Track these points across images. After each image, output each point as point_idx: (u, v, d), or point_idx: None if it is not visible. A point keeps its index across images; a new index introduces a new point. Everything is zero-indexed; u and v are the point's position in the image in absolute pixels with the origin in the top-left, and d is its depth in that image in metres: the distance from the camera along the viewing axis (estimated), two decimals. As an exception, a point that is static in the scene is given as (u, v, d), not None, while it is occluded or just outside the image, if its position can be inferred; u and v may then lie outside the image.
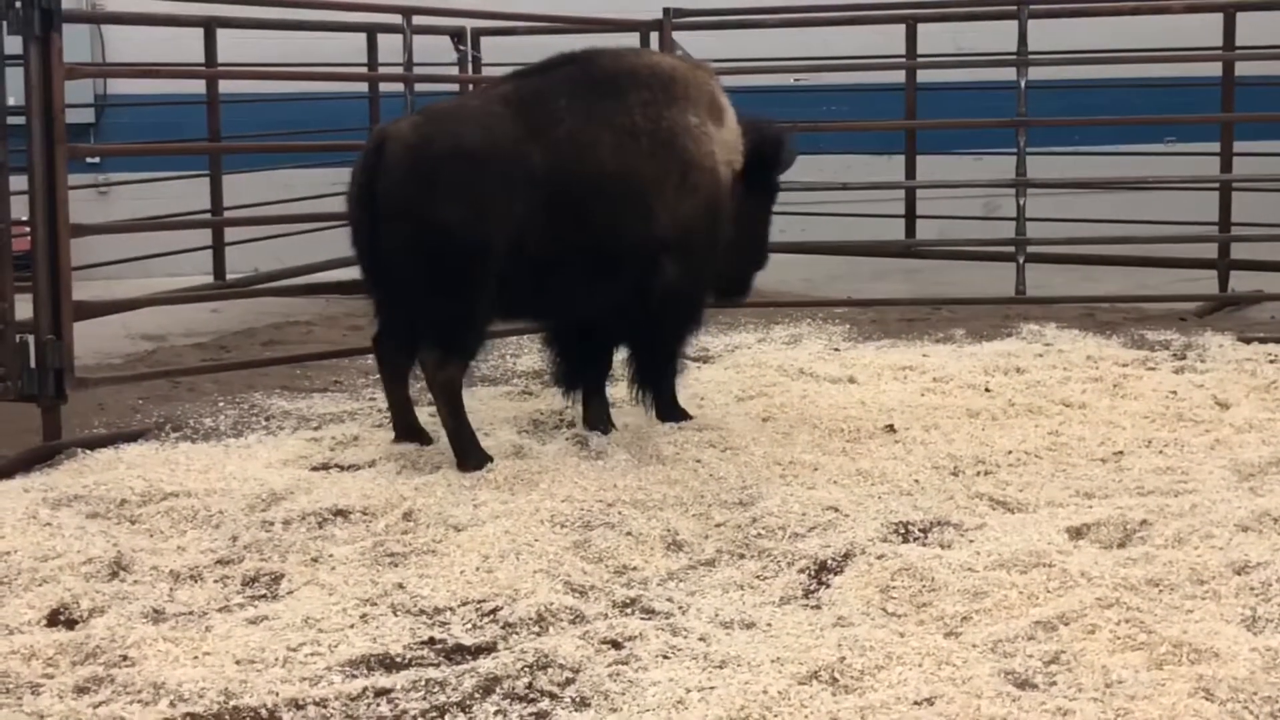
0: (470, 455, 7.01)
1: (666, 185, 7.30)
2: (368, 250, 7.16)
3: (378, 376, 9.21)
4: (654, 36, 11.06)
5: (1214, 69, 11.63)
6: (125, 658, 4.89)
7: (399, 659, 4.88)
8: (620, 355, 7.74)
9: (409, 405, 7.50)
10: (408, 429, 7.44)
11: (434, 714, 4.52)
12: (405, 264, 7.00)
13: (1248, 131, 12.33)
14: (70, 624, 5.21)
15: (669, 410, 7.78)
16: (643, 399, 7.71)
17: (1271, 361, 8.99)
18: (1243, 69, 11.67)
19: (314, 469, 7.12)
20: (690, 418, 7.73)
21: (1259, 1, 11.88)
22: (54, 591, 5.38)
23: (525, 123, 7.16)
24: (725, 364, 9.33)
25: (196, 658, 4.89)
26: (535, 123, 7.17)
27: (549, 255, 7.12)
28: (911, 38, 12.09)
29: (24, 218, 7.67)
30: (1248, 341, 9.56)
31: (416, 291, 7.01)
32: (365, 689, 4.64)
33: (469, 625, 5.15)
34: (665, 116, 7.34)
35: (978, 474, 6.84)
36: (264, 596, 5.50)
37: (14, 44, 7.52)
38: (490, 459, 7.02)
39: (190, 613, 5.32)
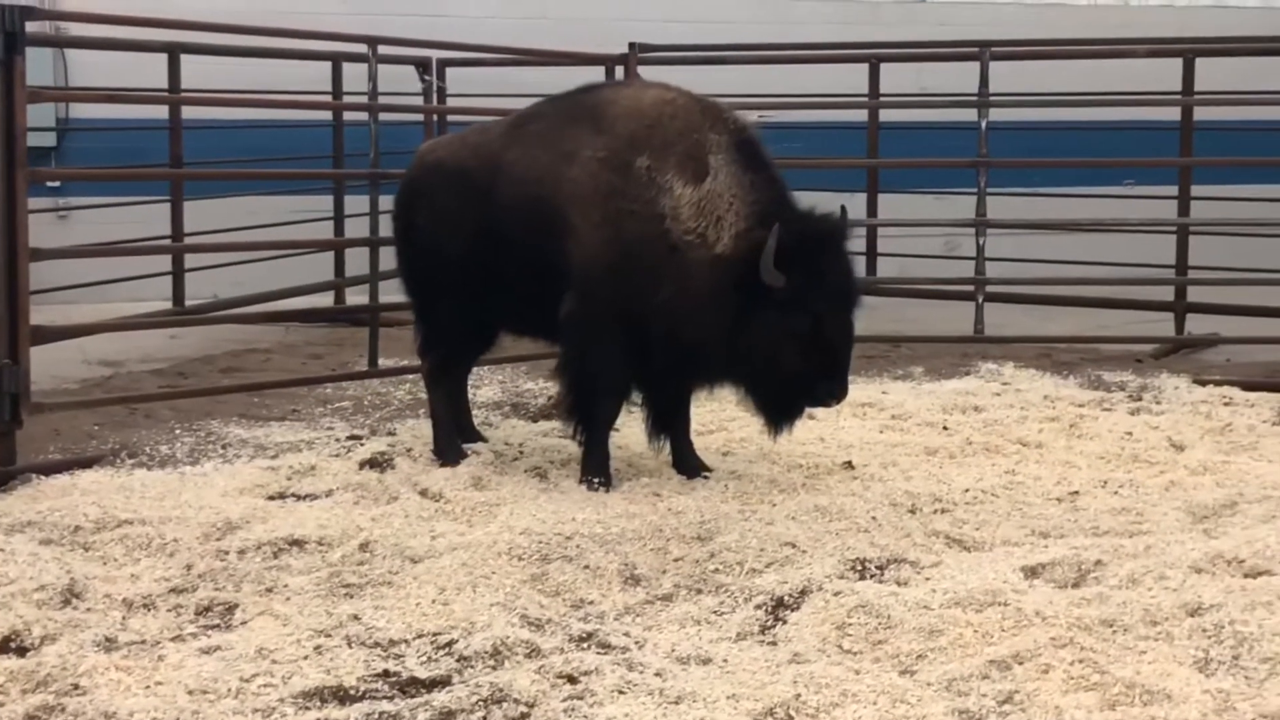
0: (437, 441, 7.77)
1: (579, 216, 7.14)
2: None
3: (336, 406, 9.29)
4: (619, 70, 11.09)
5: (1173, 113, 11.75)
6: (76, 686, 4.84)
7: (353, 691, 4.85)
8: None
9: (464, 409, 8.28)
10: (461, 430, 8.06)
11: (387, 747, 4.51)
12: (397, 261, 8.11)
13: (1206, 176, 12.45)
14: (21, 651, 5.16)
15: (586, 461, 7.32)
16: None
17: (1226, 404, 9.07)
18: (1201, 114, 11.79)
19: (270, 498, 7.09)
20: (604, 485, 7.20)
21: (1218, 48, 12.02)
22: (5, 618, 5.33)
23: (503, 144, 7.57)
24: (685, 398, 9.32)
25: (148, 687, 4.86)
26: (506, 144, 7.55)
27: (501, 267, 7.47)
28: (875, 77, 12.17)
29: (-17, 241, 7.62)
30: (1203, 384, 9.65)
31: (405, 288, 8.09)
32: (318, 721, 4.61)
33: (424, 658, 5.13)
34: (608, 153, 7.13)
35: (935, 512, 6.87)
36: (217, 626, 5.47)
37: (-24, 66, 7.48)
38: (464, 455, 7.62)
39: (143, 641, 5.28)
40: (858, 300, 7.02)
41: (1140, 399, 9.35)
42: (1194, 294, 11.73)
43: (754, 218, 6.91)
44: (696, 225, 6.97)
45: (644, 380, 7.38)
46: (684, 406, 7.54)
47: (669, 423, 7.51)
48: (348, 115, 12.38)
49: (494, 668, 5.01)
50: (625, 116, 7.24)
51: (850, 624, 5.33)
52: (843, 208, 7.16)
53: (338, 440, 8.26)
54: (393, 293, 8.68)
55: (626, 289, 7.08)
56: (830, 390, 6.97)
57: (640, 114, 7.22)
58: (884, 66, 12.18)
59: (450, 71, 12.21)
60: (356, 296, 12.12)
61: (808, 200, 7.18)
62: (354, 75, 11.43)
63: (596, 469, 7.28)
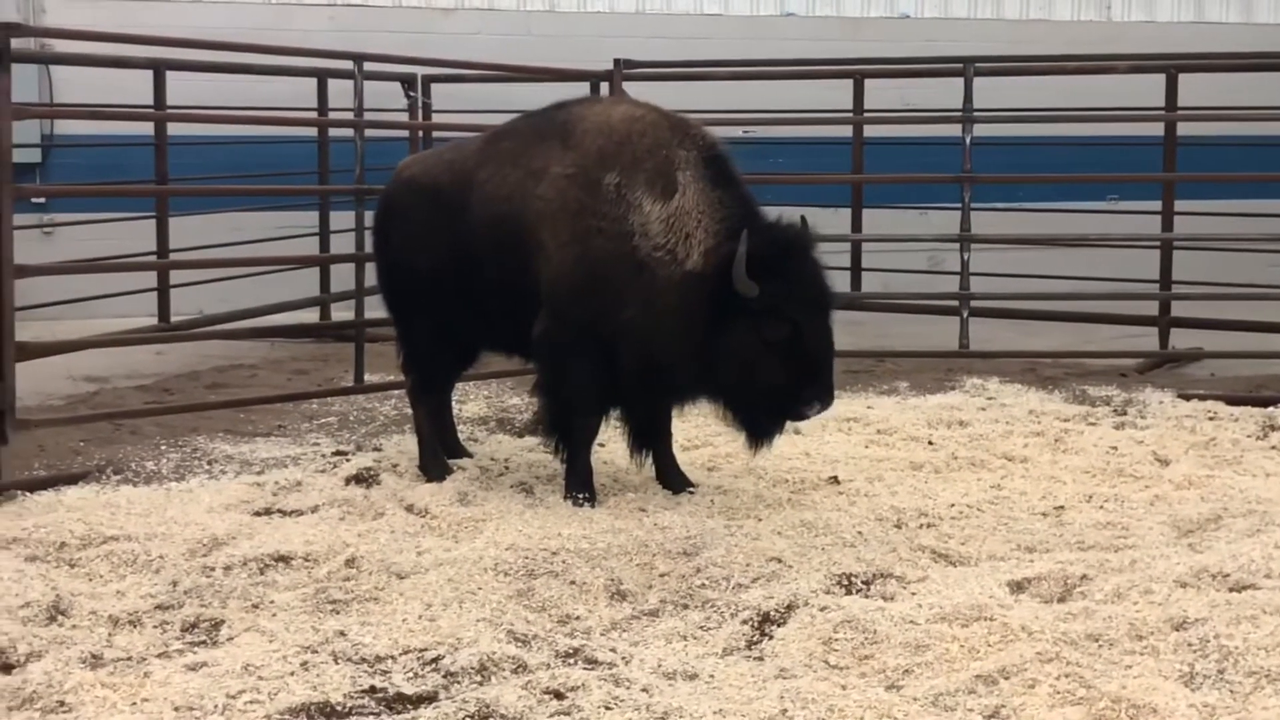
0: (422, 457, 7.79)
1: (547, 234, 7.10)
2: None
3: (322, 421, 9.28)
4: (604, 87, 11.11)
5: (1156, 129, 11.80)
6: (62, 703, 4.83)
7: (339, 708, 4.85)
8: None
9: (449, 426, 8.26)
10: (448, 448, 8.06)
11: (374, 763, 4.51)
12: (377, 277, 8.10)
13: (1189, 191, 12.50)
14: (7, 668, 5.15)
15: (570, 478, 7.30)
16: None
17: (1211, 419, 9.09)
18: (1184, 129, 11.84)
19: (256, 514, 7.08)
20: (589, 501, 7.19)
21: (1200, 64, 12.07)
22: (-10, 636, 5.33)
23: (476, 161, 7.50)
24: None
25: (134, 704, 4.85)
26: (479, 162, 7.48)
27: (475, 286, 7.42)
28: (859, 93, 12.20)
29: (-33, 257, 7.62)
30: (1187, 398, 9.67)
31: (385, 304, 8.08)
32: (305, 737, 4.61)
33: (410, 674, 5.12)
34: (577, 170, 7.08)
35: (920, 526, 6.88)
36: (204, 643, 5.45)
37: (-39, 83, 7.47)
38: (449, 471, 7.63)
39: (129, 658, 5.26)
40: (833, 304, 6.95)
41: (1125, 413, 9.37)
42: (1178, 309, 11.76)
43: (723, 233, 6.86)
44: (666, 242, 6.92)
45: (621, 397, 7.35)
46: (665, 422, 7.53)
47: (650, 438, 7.50)
48: (333, 131, 12.38)
49: (481, 684, 5.00)
50: (594, 133, 7.18)
51: (836, 639, 5.34)
52: (803, 218, 7.11)
53: (324, 456, 8.25)
54: (378, 308, 8.66)
55: (596, 307, 7.02)
56: (815, 395, 6.82)
57: (609, 131, 7.17)
58: (868, 82, 12.21)
59: (436, 88, 12.23)
60: (342, 312, 12.12)
61: (782, 215, 7.14)
62: (339, 91, 11.43)
63: (581, 485, 7.26)
